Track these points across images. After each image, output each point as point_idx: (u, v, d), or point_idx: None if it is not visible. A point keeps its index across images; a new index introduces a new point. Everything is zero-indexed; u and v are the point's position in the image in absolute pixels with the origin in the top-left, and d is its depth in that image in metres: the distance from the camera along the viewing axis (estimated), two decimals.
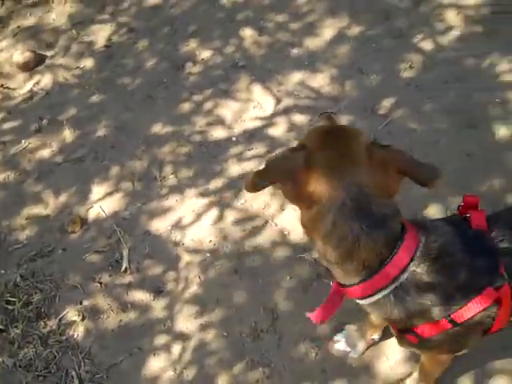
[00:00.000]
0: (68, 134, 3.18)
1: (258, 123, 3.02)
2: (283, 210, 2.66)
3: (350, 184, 1.31)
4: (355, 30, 3.34)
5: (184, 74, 3.33)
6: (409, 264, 1.37)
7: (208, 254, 2.58)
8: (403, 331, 1.55)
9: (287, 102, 3.08)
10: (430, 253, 1.40)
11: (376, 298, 1.44)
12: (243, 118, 3.05)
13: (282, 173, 1.39)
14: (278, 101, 3.09)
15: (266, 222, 2.64)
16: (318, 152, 1.37)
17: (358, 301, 1.50)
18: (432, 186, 1.35)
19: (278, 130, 2.96)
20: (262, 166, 1.40)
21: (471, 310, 1.44)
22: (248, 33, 3.45)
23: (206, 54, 3.40)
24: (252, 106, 3.10)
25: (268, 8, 3.59)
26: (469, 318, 1.44)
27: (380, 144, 1.39)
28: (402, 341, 1.64)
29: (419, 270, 1.39)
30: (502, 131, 2.73)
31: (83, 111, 3.26)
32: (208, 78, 3.28)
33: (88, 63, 3.51)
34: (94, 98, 3.31)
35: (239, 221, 2.67)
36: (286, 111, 3.04)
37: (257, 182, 1.39)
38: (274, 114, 3.04)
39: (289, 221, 2.62)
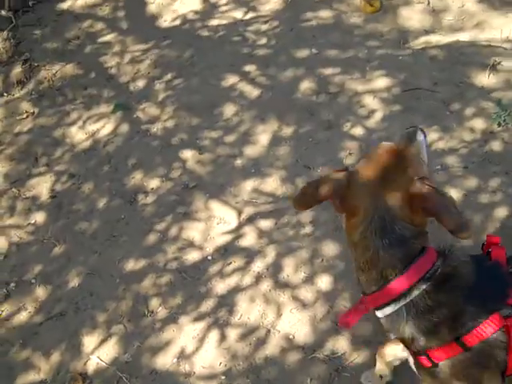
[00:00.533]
0: (41, 292, 3.12)
1: (227, 238, 3.11)
2: (281, 315, 2.74)
3: (382, 205, 1.54)
4: (288, 131, 3.57)
5: (139, 207, 3.39)
6: (419, 280, 1.54)
7: (223, 377, 2.60)
8: (417, 354, 1.67)
9: (248, 211, 3.20)
10: (442, 274, 1.56)
11: (389, 310, 1.62)
12: (211, 236, 3.14)
13: (329, 192, 1.60)
14: (239, 212, 3.21)
15: (268, 331, 2.71)
16: (366, 172, 1.60)
17: (377, 314, 1.67)
18: (457, 237, 1.48)
19: (249, 239, 3.07)
20: (309, 187, 1.64)
21: (480, 332, 1.55)
22: (188, 154, 3.60)
23: (153, 183, 3.50)
24: (216, 223, 3.20)
25: (198, 128, 3.77)
26: (478, 341, 1.55)
27: (425, 182, 1.54)
28: (418, 366, 1.74)
29: (430, 288, 1.56)
30: (452, 194, 2.97)
31: (49, 265, 3.23)
32: (164, 205, 3.36)
33: (38, 217, 3.50)
34: (57, 250, 3.29)
35: (242, 336, 2.72)
36: (250, 220, 3.16)
37: (306, 199, 1.66)
38: (240, 225, 3.15)
39: (290, 324, 2.69)
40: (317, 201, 1.64)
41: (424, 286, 1.56)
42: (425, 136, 1.75)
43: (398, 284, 1.56)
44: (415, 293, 1.57)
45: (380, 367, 2.31)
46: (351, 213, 1.60)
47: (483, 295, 1.59)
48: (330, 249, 2.92)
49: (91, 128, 3.99)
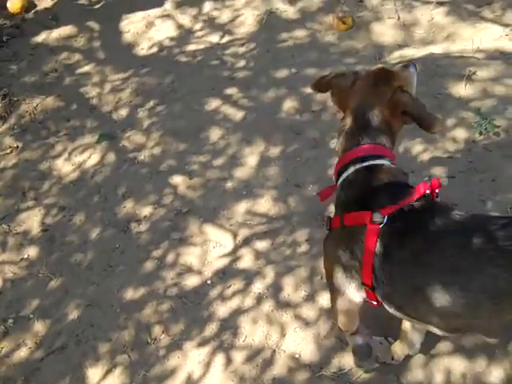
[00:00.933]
0: (40, 327, 3.10)
1: (224, 261, 3.14)
2: (285, 334, 2.77)
3: (367, 104, 2.01)
4: (275, 151, 3.62)
5: (133, 235, 3.40)
6: (357, 160, 1.95)
7: None
8: None
9: (243, 232, 3.24)
10: (375, 165, 1.93)
11: (338, 183, 2.04)
12: (209, 260, 3.16)
13: (338, 84, 2.12)
14: (235, 234, 3.24)
15: (274, 351, 2.73)
16: (363, 80, 2.08)
17: None
18: (429, 132, 1.93)
19: (246, 261, 3.10)
20: (327, 75, 2.16)
21: (350, 218, 1.90)
22: (178, 179, 3.62)
23: (146, 210, 3.51)
24: (212, 246, 3.23)
25: (185, 153, 3.80)
26: (348, 223, 1.90)
27: (404, 90, 2.00)
28: None
29: (359, 169, 1.95)
30: None
31: (46, 299, 3.21)
32: (158, 231, 3.37)
33: (31, 252, 3.48)
34: (53, 284, 3.28)
35: (248, 358, 2.73)
36: (246, 241, 3.19)
37: (321, 83, 2.16)
38: (236, 248, 3.18)
39: (295, 343, 2.72)
40: (328, 87, 2.15)
41: (357, 166, 1.95)
42: (416, 69, 2.17)
43: (346, 156, 2.00)
44: (351, 169, 1.96)
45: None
46: (345, 108, 2.10)
47: (376, 195, 1.90)
48: None
49: (77, 159, 3.99)
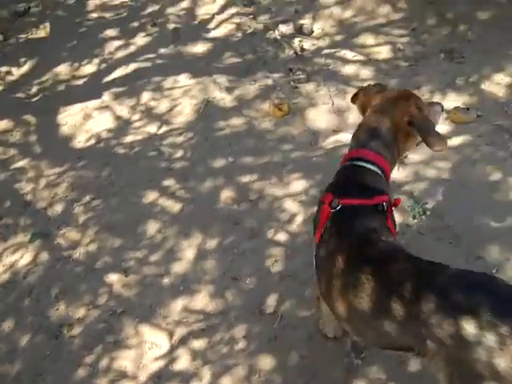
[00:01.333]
0: None
1: (160, 363, 3.02)
2: None
3: (382, 116, 2.24)
4: (212, 243, 3.57)
5: (65, 340, 3.25)
6: (353, 158, 2.23)
7: None
8: None
9: (180, 331, 3.13)
10: (361, 167, 2.20)
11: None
12: (144, 363, 3.04)
13: (364, 91, 2.43)
14: (171, 334, 3.13)
15: None
16: (386, 92, 2.34)
17: None
18: (432, 148, 2.07)
19: (183, 362, 2.99)
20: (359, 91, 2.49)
21: (324, 197, 2.21)
22: (113, 278, 3.52)
23: (80, 312, 3.38)
24: (148, 348, 3.10)
25: (121, 249, 3.71)
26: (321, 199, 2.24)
27: (419, 111, 2.18)
28: None
29: (350, 164, 2.25)
30: None
31: None
32: (92, 335, 3.24)
33: None
34: None
35: None
36: (183, 341, 3.08)
37: (355, 97, 2.49)
38: (172, 348, 3.07)
39: None
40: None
41: (351, 163, 2.23)
42: (442, 109, 2.39)
43: (349, 154, 2.28)
44: (347, 163, 2.25)
45: None
46: (365, 113, 2.35)
47: (347, 187, 2.21)
48: (265, 362, 2.88)
49: (9, 260, 3.86)
